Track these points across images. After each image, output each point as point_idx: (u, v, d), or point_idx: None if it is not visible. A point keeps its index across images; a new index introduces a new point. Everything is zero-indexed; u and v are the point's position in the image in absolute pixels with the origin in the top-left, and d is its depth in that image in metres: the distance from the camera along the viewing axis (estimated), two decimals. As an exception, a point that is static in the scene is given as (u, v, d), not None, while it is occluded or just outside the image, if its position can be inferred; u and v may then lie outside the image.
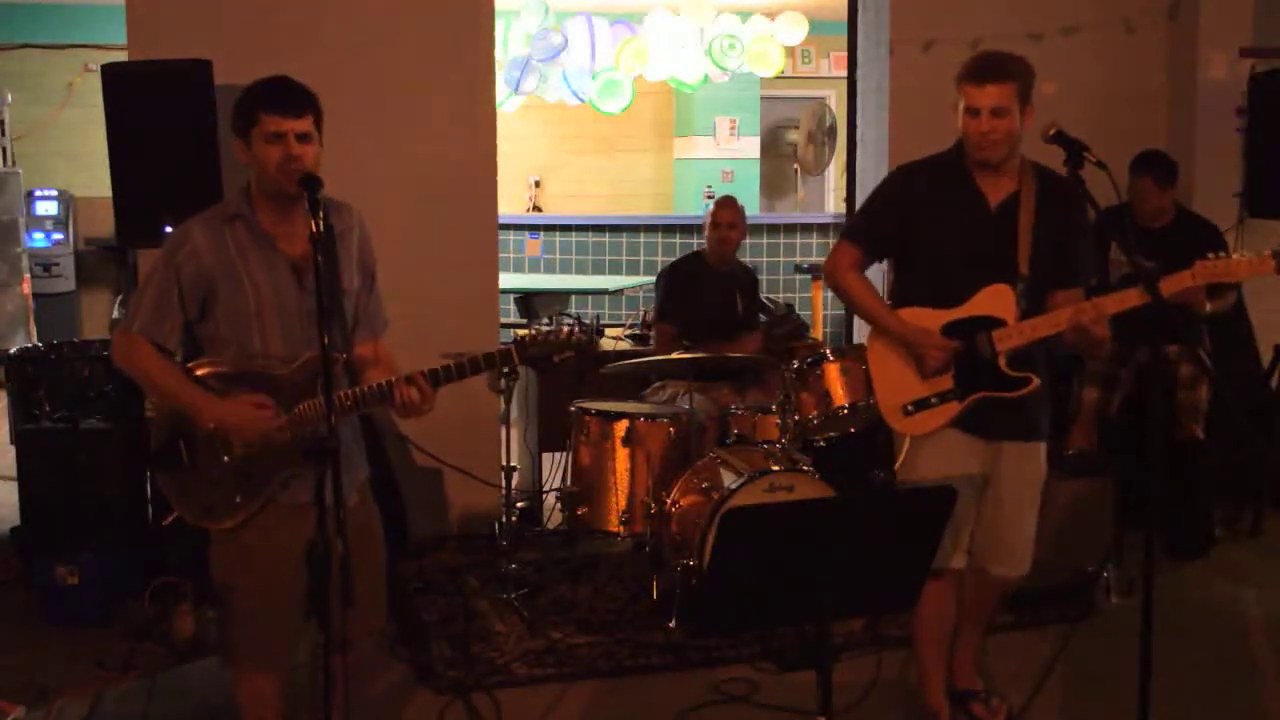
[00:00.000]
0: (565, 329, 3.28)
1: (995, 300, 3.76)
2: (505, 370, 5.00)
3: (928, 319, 3.83)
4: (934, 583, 3.58)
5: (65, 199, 10.81)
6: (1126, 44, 6.86)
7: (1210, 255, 3.66)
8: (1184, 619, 4.94)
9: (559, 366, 3.31)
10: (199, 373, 3.18)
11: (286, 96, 3.11)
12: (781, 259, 11.07)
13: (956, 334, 3.79)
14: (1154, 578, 3.28)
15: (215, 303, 3.16)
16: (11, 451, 5.43)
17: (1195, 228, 5.83)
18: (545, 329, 3.28)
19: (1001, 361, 3.76)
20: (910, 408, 3.86)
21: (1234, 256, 3.65)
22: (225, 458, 3.16)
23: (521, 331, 3.30)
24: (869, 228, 4.03)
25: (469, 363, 3.19)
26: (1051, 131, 3.54)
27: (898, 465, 4.00)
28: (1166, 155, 5.87)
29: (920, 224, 3.84)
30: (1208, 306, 5.55)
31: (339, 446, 2.87)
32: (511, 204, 12.24)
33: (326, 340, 2.89)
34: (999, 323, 3.76)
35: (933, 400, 3.83)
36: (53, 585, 4.94)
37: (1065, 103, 6.64)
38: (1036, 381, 3.78)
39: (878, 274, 4.90)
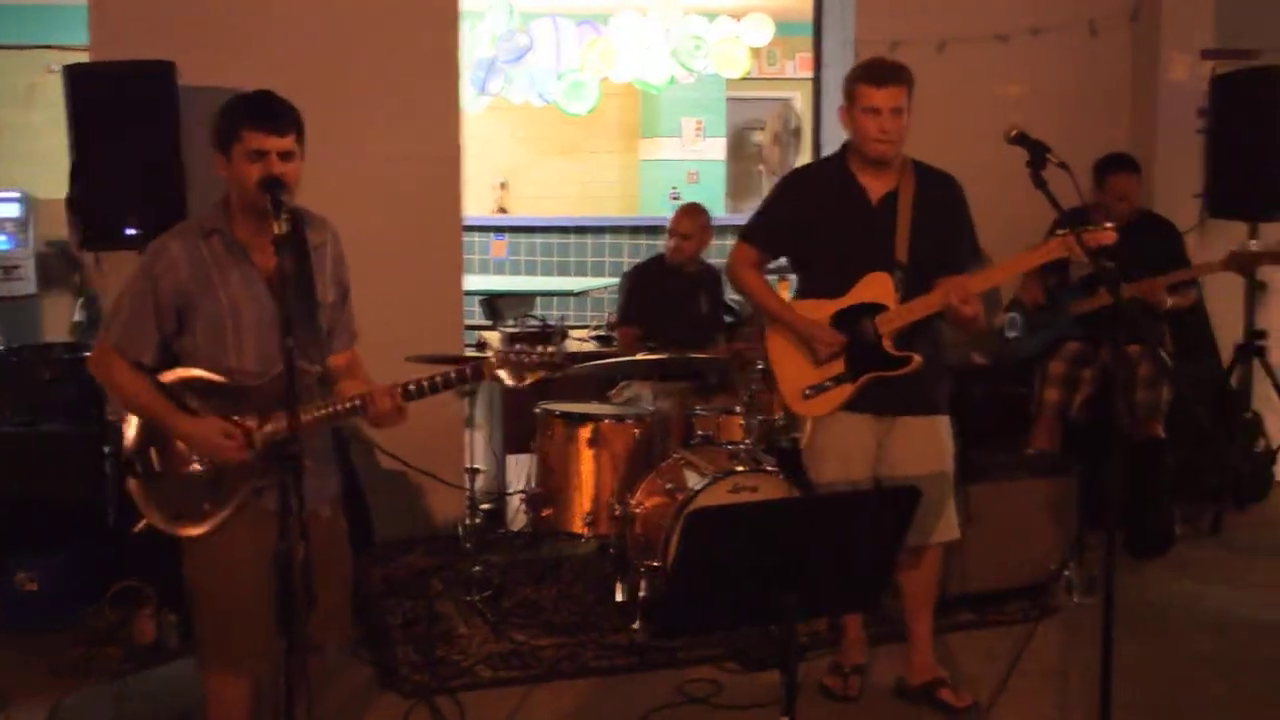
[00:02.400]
0: (537, 355, 3.25)
1: (875, 287, 4.05)
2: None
3: (819, 310, 4.12)
4: None
5: (26, 201, 10.70)
6: (1091, 46, 6.91)
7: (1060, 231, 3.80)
8: (1145, 617, 4.98)
9: (530, 386, 3.30)
10: (168, 380, 3.17)
11: (271, 114, 3.09)
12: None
13: (844, 321, 4.08)
14: (1115, 576, 3.29)
15: (193, 317, 3.16)
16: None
17: (1155, 227, 5.88)
18: (517, 350, 3.26)
19: (886, 343, 4.04)
20: (808, 392, 4.15)
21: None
22: (196, 465, 3.17)
23: (490, 335, 3.29)
24: (762, 229, 4.30)
25: (442, 379, 3.21)
26: (1013, 133, 3.57)
27: (802, 445, 4.29)
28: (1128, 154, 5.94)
29: (808, 223, 4.14)
30: (1168, 302, 5.60)
31: (301, 451, 2.86)
32: (477, 205, 12.22)
33: (293, 342, 2.87)
34: (881, 308, 4.03)
35: (827, 384, 4.13)
36: (12, 591, 4.89)
37: (1029, 104, 6.71)
38: (918, 360, 4.02)
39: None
